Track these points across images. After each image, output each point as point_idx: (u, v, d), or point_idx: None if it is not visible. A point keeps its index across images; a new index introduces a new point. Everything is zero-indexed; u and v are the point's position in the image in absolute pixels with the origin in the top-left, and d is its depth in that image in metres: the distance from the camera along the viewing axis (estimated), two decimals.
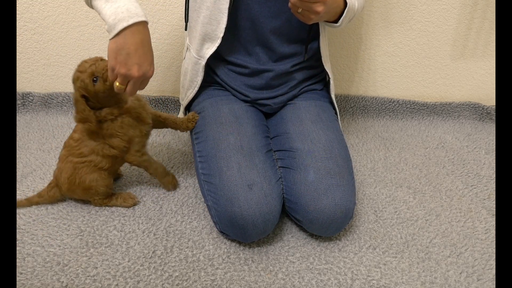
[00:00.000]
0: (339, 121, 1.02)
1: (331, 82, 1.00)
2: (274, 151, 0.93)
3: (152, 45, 1.31)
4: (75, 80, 0.81)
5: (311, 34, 0.93)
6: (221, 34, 0.87)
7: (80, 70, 0.80)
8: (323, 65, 0.98)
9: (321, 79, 1.05)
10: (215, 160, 0.83)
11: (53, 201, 0.93)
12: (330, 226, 0.80)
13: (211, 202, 0.82)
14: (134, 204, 0.93)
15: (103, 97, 0.82)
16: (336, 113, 1.03)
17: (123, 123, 0.85)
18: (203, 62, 0.92)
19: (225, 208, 0.78)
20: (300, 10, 0.78)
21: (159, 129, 1.28)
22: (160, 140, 1.22)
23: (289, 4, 0.77)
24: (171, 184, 0.98)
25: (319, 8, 0.76)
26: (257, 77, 0.95)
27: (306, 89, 1.01)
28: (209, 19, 0.87)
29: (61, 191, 0.91)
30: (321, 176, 0.81)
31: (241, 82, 0.96)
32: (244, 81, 0.96)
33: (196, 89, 0.97)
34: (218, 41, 0.88)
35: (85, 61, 0.81)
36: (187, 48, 1.00)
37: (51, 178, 1.03)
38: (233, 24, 0.89)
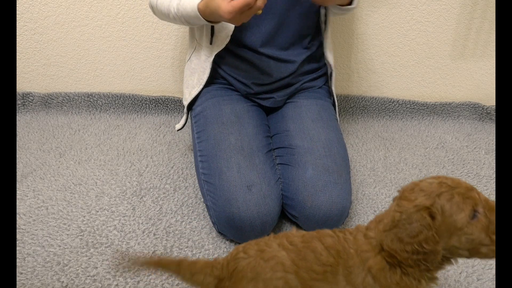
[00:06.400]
0: (338, 117, 1.03)
1: (333, 75, 1.01)
2: (274, 148, 0.93)
3: (152, 45, 1.31)
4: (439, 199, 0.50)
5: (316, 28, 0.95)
6: (230, 33, 0.88)
7: (463, 192, 0.51)
8: (324, 58, 0.99)
9: (322, 74, 1.05)
10: (216, 160, 0.83)
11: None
12: (326, 223, 0.80)
13: (210, 202, 0.82)
14: None
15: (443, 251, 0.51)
16: (334, 107, 1.03)
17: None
18: (211, 58, 0.92)
19: (223, 209, 0.78)
20: None
21: (159, 129, 1.28)
22: (160, 140, 1.22)
23: None
24: None
25: None
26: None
27: (307, 85, 1.01)
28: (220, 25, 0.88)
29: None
30: (319, 173, 0.81)
31: (249, 77, 0.96)
32: (253, 76, 0.96)
33: (201, 86, 0.97)
34: (227, 40, 0.89)
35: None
36: (195, 48, 0.99)
37: (51, 178, 1.03)
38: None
